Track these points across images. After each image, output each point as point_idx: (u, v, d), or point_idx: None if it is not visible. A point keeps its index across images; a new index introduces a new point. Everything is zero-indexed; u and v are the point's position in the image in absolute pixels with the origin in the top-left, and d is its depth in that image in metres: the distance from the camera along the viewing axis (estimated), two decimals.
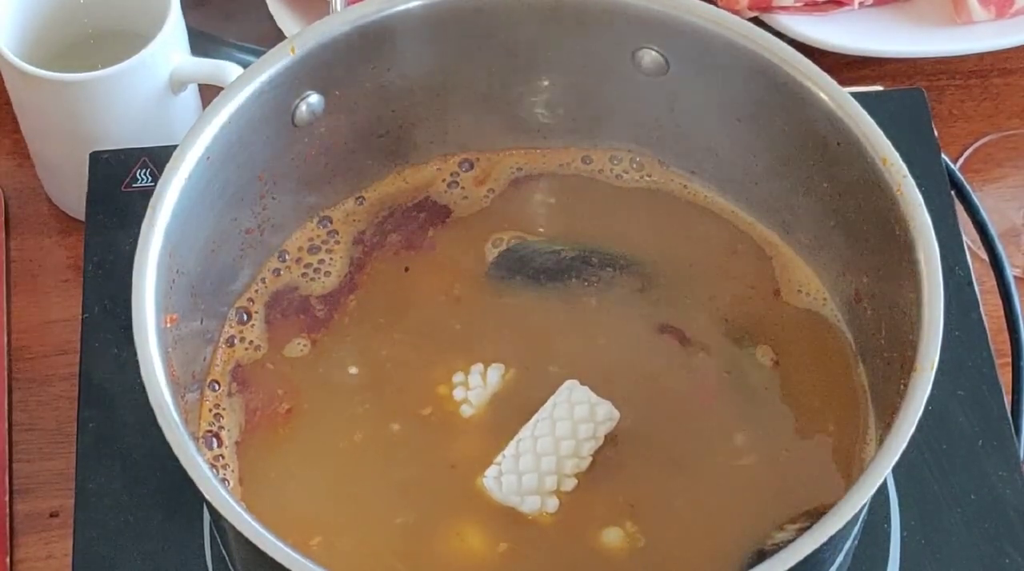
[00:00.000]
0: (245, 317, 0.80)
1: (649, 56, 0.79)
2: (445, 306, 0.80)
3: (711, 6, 0.76)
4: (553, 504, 0.73)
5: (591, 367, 0.78)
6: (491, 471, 0.74)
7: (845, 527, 0.63)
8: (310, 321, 0.80)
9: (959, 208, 0.90)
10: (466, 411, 0.77)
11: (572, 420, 0.74)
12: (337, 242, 0.82)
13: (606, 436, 0.75)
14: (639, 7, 0.77)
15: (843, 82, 0.75)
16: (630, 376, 0.78)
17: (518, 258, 0.82)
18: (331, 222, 0.83)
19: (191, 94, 1.00)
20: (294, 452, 0.76)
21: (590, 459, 0.74)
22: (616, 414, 0.75)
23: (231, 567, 0.76)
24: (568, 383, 0.75)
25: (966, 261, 0.87)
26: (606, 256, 0.82)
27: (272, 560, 0.62)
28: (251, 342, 0.79)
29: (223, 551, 0.77)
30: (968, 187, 0.90)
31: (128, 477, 0.80)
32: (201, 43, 1.02)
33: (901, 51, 1.07)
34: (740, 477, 0.74)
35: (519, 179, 0.85)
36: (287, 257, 0.82)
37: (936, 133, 0.92)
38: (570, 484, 0.74)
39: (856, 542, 0.76)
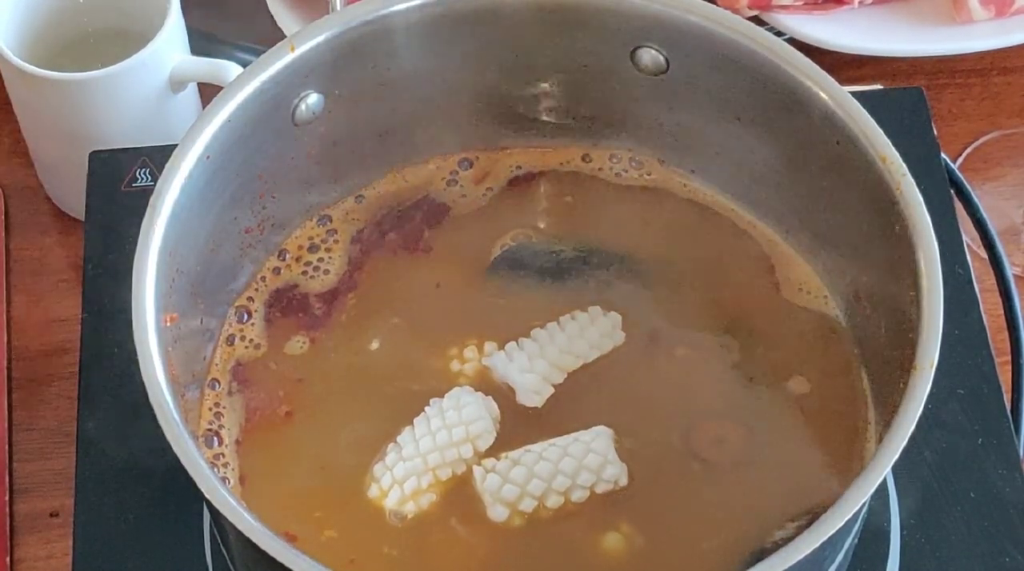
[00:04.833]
0: (245, 316, 0.80)
1: (649, 55, 0.79)
2: (444, 304, 0.80)
3: (711, 5, 0.77)
4: (519, 522, 0.73)
5: (590, 365, 0.78)
6: (487, 462, 0.74)
7: (845, 525, 0.63)
8: (309, 319, 0.80)
9: (959, 207, 0.90)
10: None
11: (580, 463, 0.73)
12: (336, 241, 0.83)
13: (599, 494, 0.74)
14: (639, 6, 0.77)
15: (843, 81, 0.75)
16: (629, 374, 0.78)
17: (517, 258, 0.82)
18: (330, 221, 0.83)
19: (191, 93, 1.00)
20: (294, 450, 0.76)
21: (572, 502, 0.74)
22: (623, 482, 0.74)
23: (231, 566, 0.76)
24: (599, 428, 0.75)
25: (966, 260, 0.87)
26: (605, 255, 0.82)
27: (272, 559, 0.62)
28: (251, 340, 0.79)
29: (223, 550, 0.77)
30: (968, 186, 0.90)
31: (128, 477, 0.80)
32: (201, 42, 1.02)
33: (901, 50, 1.07)
34: (740, 475, 0.74)
35: (518, 178, 0.85)
36: (287, 256, 0.82)
37: (936, 132, 0.92)
38: (545, 514, 0.73)
39: (856, 540, 0.76)
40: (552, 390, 0.76)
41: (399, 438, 0.74)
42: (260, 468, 0.75)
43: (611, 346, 0.78)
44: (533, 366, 0.76)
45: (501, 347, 0.78)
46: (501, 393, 0.77)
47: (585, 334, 0.78)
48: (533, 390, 0.76)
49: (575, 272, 0.81)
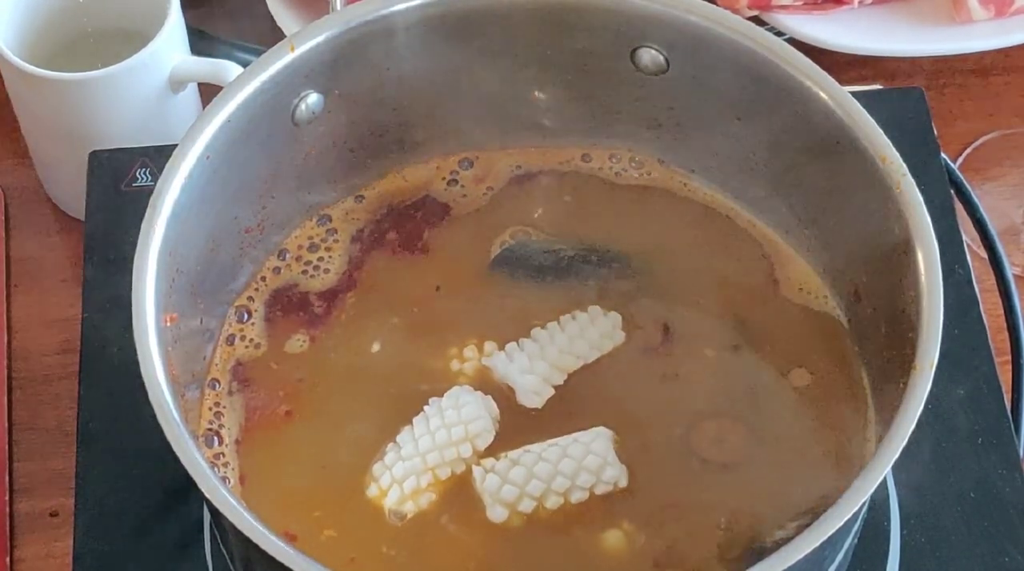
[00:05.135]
0: (245, 315, 0.80)
1: (648, 55, 0.79)
2: (444, 304, 0.80)
3: (711, 5, 0.77)
4: (518, 523, 0.73)
5: (590, 365, 0.78)
6: (486, 462, 0.74)
7: (845, 525, 0.63)
8: (309, 318, 0.80)
9: (959, 207, 0.90)
10: None
11: (579, 465, 0.73)
12: (336, 240, 0.83)
13: (599, 495, 0.74)
14: (639, 6, 0.77)
15: (843, 81, 0.75)
16: (628, 374, 0.78)
17: (517, 257, 0.82)
18: (330, 220, 0.83)
19: (191, 93, 1.00)
20: (294, 450, 0.76)
21: (571, 503, 0.74)
22: (623, 483, 0.74)
23: (231, 566, 0.76)
24: (598, 429, 0.75)
25: (966, 260, 0.87)
26: (605, 254, 0.82)
27: (272, 558, 0.62)
28: (251, 340, 0.79)
29: (223, 550, 0.77)
30: (967, 186, 0.90)
31: (128, 477, 0.80)
32: (201, 42, 1.03)
33: (901, 50, 1.07)
34: (740, 475, 0.74)
35: (518, 177, 0.85)
36: (287, 255, 0.82)
37: (936, 132, 0.92)
38: (544, 515, 0.73)
39: (856, 540, 0.76)
40: (552, 391, 0.76)
41: (398, 437, 0.74)
42: (260, 468, 0.75)
43: (611, 346, 0.78)
44: (534, 367, 0.76)
45: (501, 347, 0.78)
46: (501, 392, 0.77)
47: (585, 334, 0.78)
48: (533, 391, 0.76)
49: (575, 271, 0.81)
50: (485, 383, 0.77)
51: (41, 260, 1.01)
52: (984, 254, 0.89)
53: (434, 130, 0.84)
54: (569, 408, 0.77)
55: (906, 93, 0.94)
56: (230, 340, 0.79)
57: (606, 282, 0.81)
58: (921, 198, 0.70)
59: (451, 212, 0.84)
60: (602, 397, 0.77)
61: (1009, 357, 0.86)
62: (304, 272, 0.81)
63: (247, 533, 0.63)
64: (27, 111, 0.99)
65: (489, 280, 0.81)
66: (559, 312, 0.79)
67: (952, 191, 0.90)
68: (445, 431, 0.74)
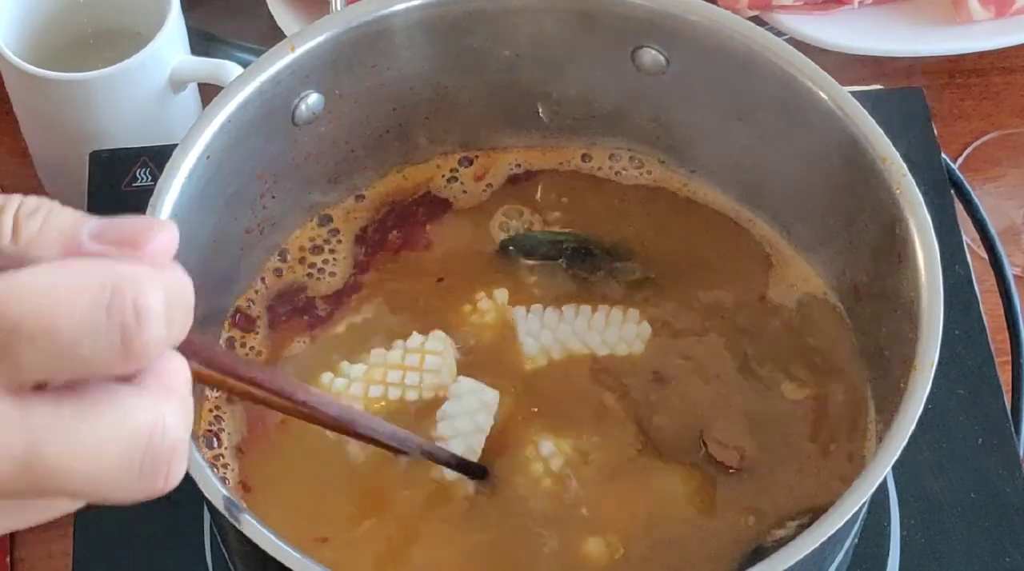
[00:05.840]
0: (246, 317, 0.80)
1: (649, 55, 0.79)
2: (445, 298, 0.80)
3: (711, 5, 0.77)
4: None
5: (599, 358, 0.78)
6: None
7: (845, 525, 0.63)
8: (311, 320, 0.80)
9: (959, 207, 0.90)
10: None
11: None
12: (339, 241, 0.82)
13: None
14: (639, 6, 0.77)
15: (843, 81, 0.75)
16: (627, 370, 0.78)
17: (519, 248, 0.82)
18: (331, 220, 0.83)
19: (191, 93, 1.00)
20: (294, 450, 0.75)
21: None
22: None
23: (231, 567, 0.76)
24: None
25: (966, 260, 0.87)
26: (606, 251, 0.82)
27: (273, 560, 0.62)
28: (251, 342, 0.79)
29: (223, 551, 0.77)
30: (968, 186, 0.90)
31: None
32: (201, 43, 1.02)
33: (901, 50, 1.07)
34: (741, 476, 0.74)
35: (518, 175, 0.85)
36: (288, 256, 0.82)
37: (936, 132, 0.92)
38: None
39: (856, 540, 0.76)
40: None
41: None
42: (259, 469, 0.75)
43: (626, 352, 0.78)
44: (541, 335, 0.77)
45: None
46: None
47: (605, 332, 0.78)
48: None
49: (577, 263, 0.81)
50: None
51: None
52: (984, 254, 0.89)
53: (434, 130, 0.84)
54: (569, 402, 0.76)
55: (906, 93, 0.94)
56: (230, 342, 0.79)
57: (604, 281, 0.81)
58: (921, 198, 0.70)
59: (452, 207, 0.84)
60: (602, 395, 0.77)
61: (1009, 357, 0.86)
62: (309, 274, 0.81)
63: (247, 534, 0.62)
64: (27, 111, 0.99)
65: (491, 271, 0.81)
66: (560, 304, 0.79)
67: (952, 191, 0.90)
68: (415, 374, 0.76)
